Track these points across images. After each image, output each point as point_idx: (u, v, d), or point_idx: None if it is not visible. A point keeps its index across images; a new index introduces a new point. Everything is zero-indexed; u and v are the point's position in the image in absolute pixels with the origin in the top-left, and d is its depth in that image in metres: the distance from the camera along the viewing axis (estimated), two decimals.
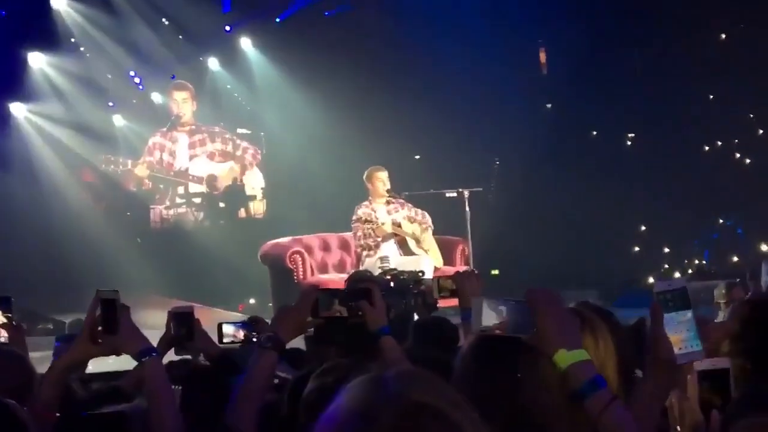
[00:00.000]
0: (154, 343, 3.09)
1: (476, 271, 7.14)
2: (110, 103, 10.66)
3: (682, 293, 1.71)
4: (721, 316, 5.02)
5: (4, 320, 3.34)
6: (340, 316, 2.52)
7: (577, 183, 10.27)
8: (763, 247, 9.40)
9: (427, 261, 7.77)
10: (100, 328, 2.25)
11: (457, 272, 3.54)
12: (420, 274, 6.60)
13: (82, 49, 10.53)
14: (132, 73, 10.70)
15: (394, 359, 2.47)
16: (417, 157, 10.72)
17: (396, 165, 8.66)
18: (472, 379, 1.90)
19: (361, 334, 2.53)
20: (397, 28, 10.50)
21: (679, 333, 1.69)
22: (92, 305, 2.27)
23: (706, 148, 10.60)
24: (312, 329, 2.69)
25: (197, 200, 10.81)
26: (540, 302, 1.68)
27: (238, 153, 11.03)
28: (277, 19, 11.01)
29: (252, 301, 10.16)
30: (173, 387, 2.40)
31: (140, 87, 10.86)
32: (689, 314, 1.70)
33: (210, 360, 3.01)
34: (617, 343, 2.06)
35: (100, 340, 2.27)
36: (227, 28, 10.94)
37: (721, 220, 10.36)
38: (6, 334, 3.33)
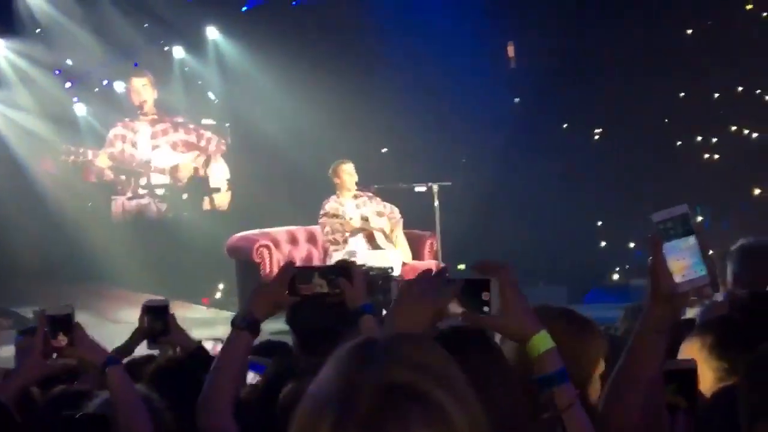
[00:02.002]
0: (122, 337, 3.02)
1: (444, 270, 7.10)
2: (71, 91, 10.45)
3: (684, 219, 1.68)
4: (690, 314, 4.93)
5: None
6: (320, 291, 2.33)
7: (546, 178, 10.25)
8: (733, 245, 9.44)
9: (396, 256, 7.71)
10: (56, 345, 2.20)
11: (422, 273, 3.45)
12: (389, 270, 6.54)
13: (40, 33, 10.33)
14: (94, 61, 10.50)
15: None
16: (384, 150, 10.64)
17: (364, 158, 8.58)
18: None
19: (341, 314, 2.42)
20: (364, 20, 10.42)
21: (683, 259, 1.65)
22: (39, 324, 2.21)
23: (678, 143, 10.63)
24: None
25: (160, 191, 10.64)
26: (507, 280, 1.61)
27: (202, 143, 10.87)
28: (244, 8, 10.87)
29: (218, 295, 10.03)
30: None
31: (103, 76, 10.66)
32: (692, 240, 1.66)
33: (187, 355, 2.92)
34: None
35: (54, 356, 2.21)
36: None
37: (700, 218, 10.40)
38: None
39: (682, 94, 10.47)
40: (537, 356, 1.59)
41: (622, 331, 3.40)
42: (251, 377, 2.90)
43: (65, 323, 2.23)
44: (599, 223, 10.57)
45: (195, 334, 3.18)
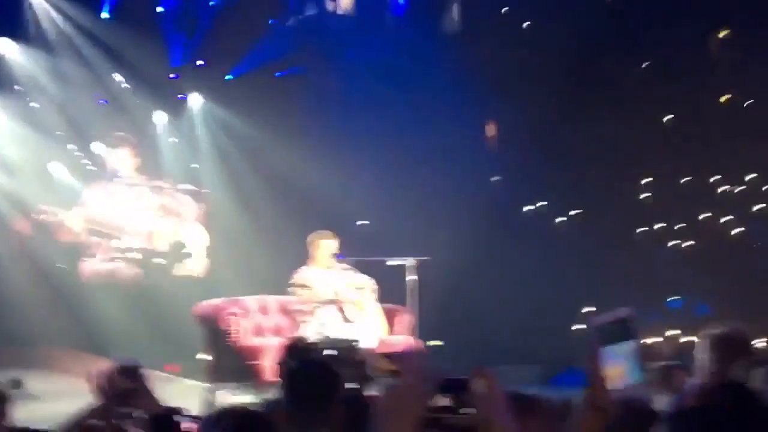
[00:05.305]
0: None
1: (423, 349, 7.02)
2: (48, 150, 10.41)
3: (624, 323, 1.63)
4: (662, 402, 4.78)
5: None
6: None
7: (523, 257, 10.24)
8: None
9: (369, 329, 7.60)
10: None
11: (402, 352, 3.42)
12: (354, 343, 6.43)
13: (20, 89, 10.34)
14: (73, 121, 10.48)
15: None
16: (361, 222, 10.62)
17: (341, 229, 8.54)
18: None
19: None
20: (347, 93, 10.53)
21: (621, 365, 1.61)
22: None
23: (654, 228, 10.68)
24: None
25: (134, 255, 10.51)
26: (495, 384, 1.55)
27: (179, 209, 10.79)
28: (228, 77, 10.94)
29: (187, 362, 9.84)
30: None
31: (82, 136, 10.63)
32: (631, 344, 1.63)
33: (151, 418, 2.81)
34: None
35: None
36: (172, 75, 10.80)
37: (671, 297, 10.40)
38: None
39: (651, 179, 10.59)
40: None
41: None
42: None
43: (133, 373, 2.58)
44: (578, 306, 10.51)
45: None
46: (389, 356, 3.38)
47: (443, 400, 1.52)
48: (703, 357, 4.09)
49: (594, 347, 1.61)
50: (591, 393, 1.61)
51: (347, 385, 4.11)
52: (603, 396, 1.60)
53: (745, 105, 10.36)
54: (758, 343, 8.12)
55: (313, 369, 3.31)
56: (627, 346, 1.62)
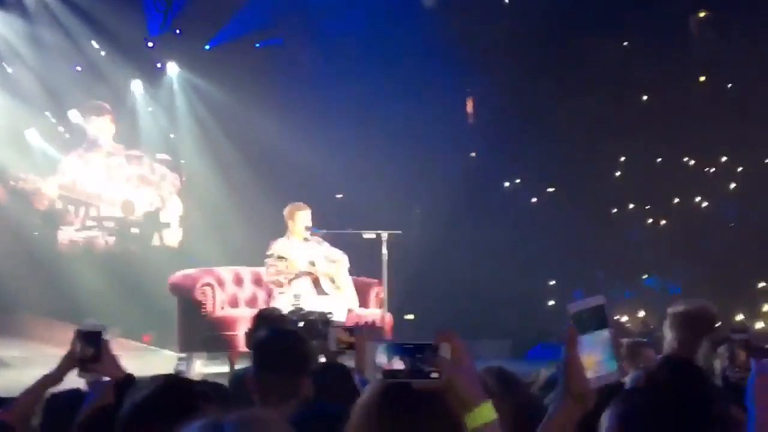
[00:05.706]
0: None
1: (380, 325, 7.09)
2: (25, 116, 10.32)
3: (599, 311, 1.63)
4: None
5: None
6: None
7: (496, 233, 10.29)
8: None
9: (341, 302, 7.65)
10: None
11: (358, 326, 3.44)
12: (329, 315, 6.47)
13: None
14: (50, 88, 10.39)
15: None
16: (339, 195, 10.63)
17: (318, 202, 8.55)
18: (376, 429, 1.80)
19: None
20: (326, 66, 10.48)
21: (596, 354, 1.61)
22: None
23: (629, 207, 10.76)
24: None
25: (110, 224, 10.49)
26: (461, 348, 1.59)
27: (156, 179, 10.76)
28: (207, 47, 10.87)
29: (158, 332, 9.86)
30: None
31: (60, 104, 10.55)
32: (606, 333, 1.62)
33: (115, 384, 2.80)
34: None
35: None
36: (150, 44, 10.72)
37: (644, 276, 10.51)
38: None
39: (623, 158, 10.64)
40: (476, 426, 1.57)
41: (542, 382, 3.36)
42: None
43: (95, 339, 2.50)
44: (552, 283, 10.60)
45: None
46: (349, 330, 3.39)
47: (400, 364, 1.56)
48: (667, 334, 4.15)
49: (572, 334, 1.63)
50: (569, 381, 1.63)
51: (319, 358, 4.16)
52: (581, 384, 1.62)
53: (722, 87, 10.42)
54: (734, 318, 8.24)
55: (284, 339, 3.33)
56: (602, 335, 1.63)
